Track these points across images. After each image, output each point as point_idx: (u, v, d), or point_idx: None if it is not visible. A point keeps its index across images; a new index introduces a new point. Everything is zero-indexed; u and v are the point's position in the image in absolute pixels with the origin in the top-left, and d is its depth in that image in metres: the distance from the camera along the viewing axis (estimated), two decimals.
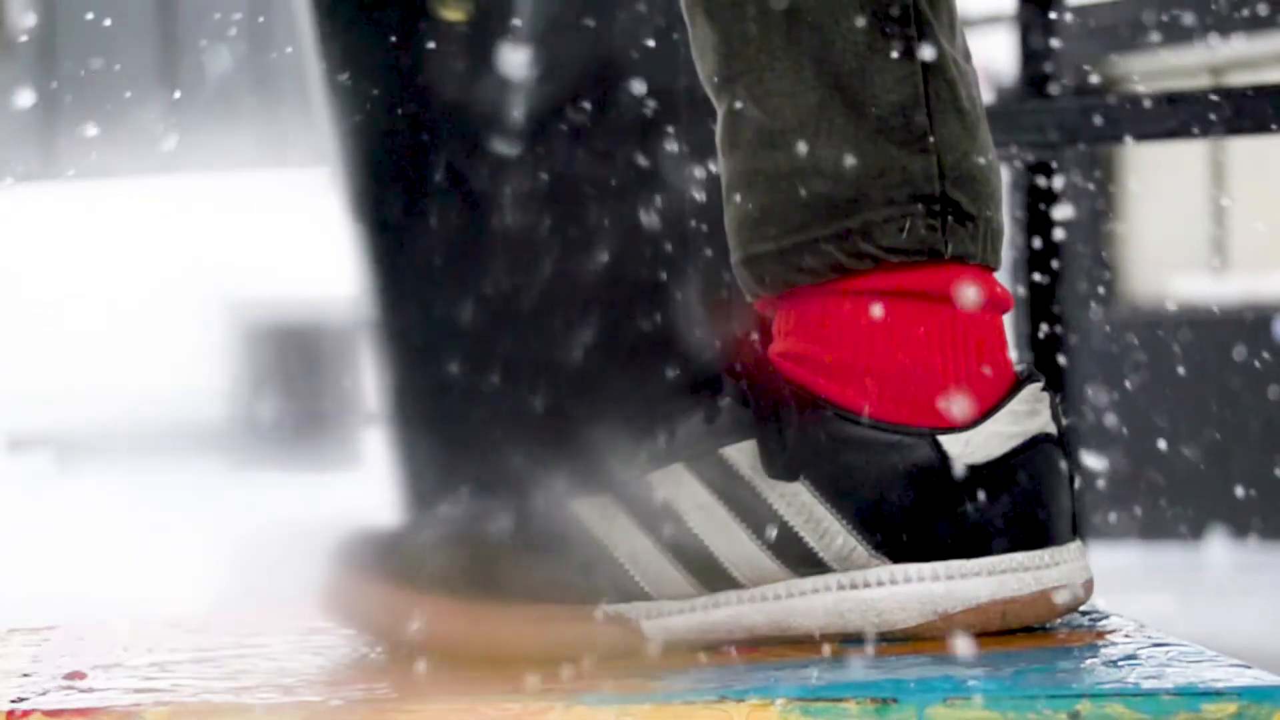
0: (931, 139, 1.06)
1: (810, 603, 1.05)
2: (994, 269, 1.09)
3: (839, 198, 1.06)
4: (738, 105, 1.08)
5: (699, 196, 1.73)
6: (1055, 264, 2.33)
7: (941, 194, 1.06)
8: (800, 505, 1.04)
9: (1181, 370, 5.49)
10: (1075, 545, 1.07)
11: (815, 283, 1.06)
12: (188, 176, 14.84)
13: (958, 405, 1.05)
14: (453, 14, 1.81)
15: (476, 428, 1.77)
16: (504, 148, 1.84)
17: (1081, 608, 1.09)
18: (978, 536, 1.04)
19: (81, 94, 15.36)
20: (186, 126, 15.36)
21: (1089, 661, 0.98)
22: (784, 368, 1.06)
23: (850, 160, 1.05)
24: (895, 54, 1.06)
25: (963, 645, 1.03)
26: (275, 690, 0.95)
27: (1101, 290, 5.80)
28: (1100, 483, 5.21)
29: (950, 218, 1.06)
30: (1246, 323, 5.51)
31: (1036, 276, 2.32)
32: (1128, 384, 5.49)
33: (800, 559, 1.04)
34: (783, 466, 1.03)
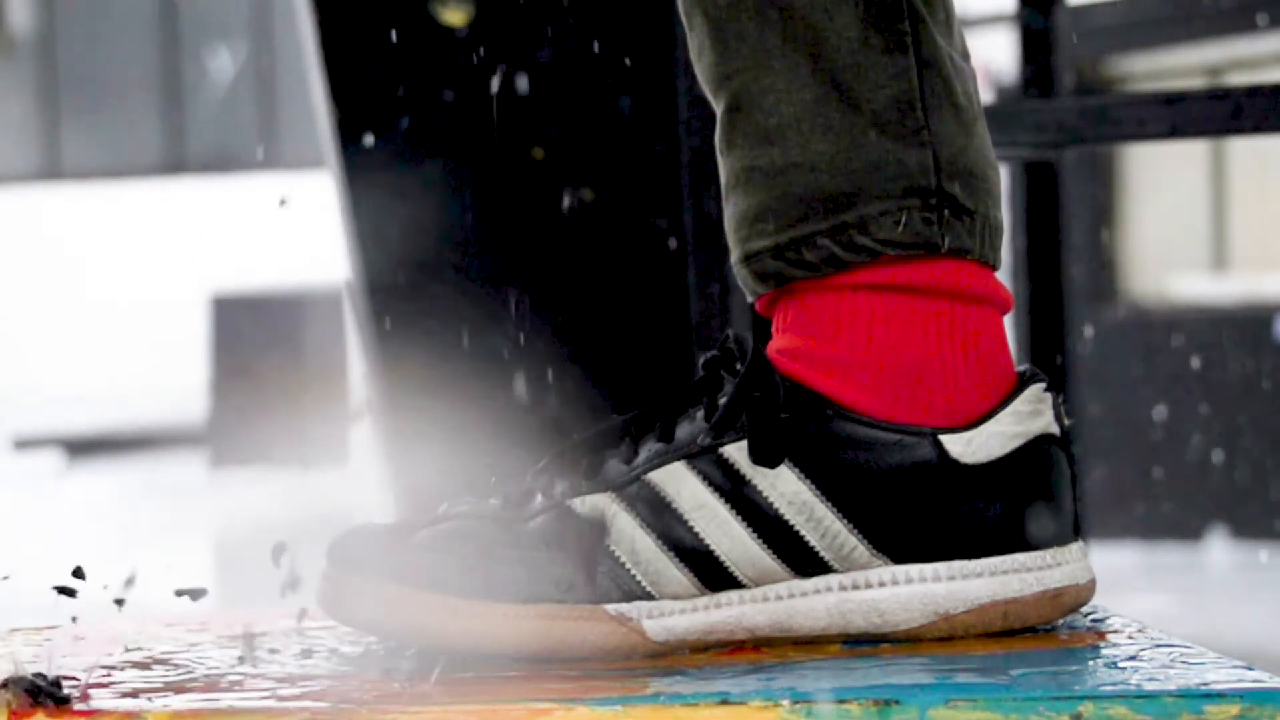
0: (927, 133, 1.06)
1: (812, 603, 1.04)
2: (994, 267, 1.09)
3: (835, 192, 1.06)
4: (735, 103, 1.08)
5: (698, 196, 1.73)
6: (1055, 264, 2.33)
7: (937, 187, 1.06)
8: (801, 504, 1.04)
9: (1181, 370, 5.48)
10: (1077, 546, 1.07)
11: (813, 277, 1.06)
12: (187, 177, 14.85)
13: (959, 404, 1.05)
14: (452, 17, 1.81)
15: (475, 425, 1.77)
16: (503, 147, 1.84)
17: (1083, 609, 1.09)
18: (979, 537, 1.04)
19: (81, 94, 15.36)
20: (187, 127, 15.36)
21: (1091, 663, 0.98)
22: (783, 365, 1.06)
23: (846, 155, 1.06)
24: (889, 49, 1.06)
25: (965, 646, 1.03)
26: (276, 690, 0.95)
27: (1101, 290, 5.80)
28: (1100, 483, 5.21)
29: (946, 211, 1.06)
30: (1246, 323, 5.51)
31: (1036, 276, 2.31)
32: (1128, 384, 5.49)
33: (802, 558, 1.04)
34: (765, 452, 1.03)
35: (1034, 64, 2.34)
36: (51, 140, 15.52)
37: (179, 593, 1.11)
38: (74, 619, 1.10)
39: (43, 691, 0.93)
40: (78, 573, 1.08)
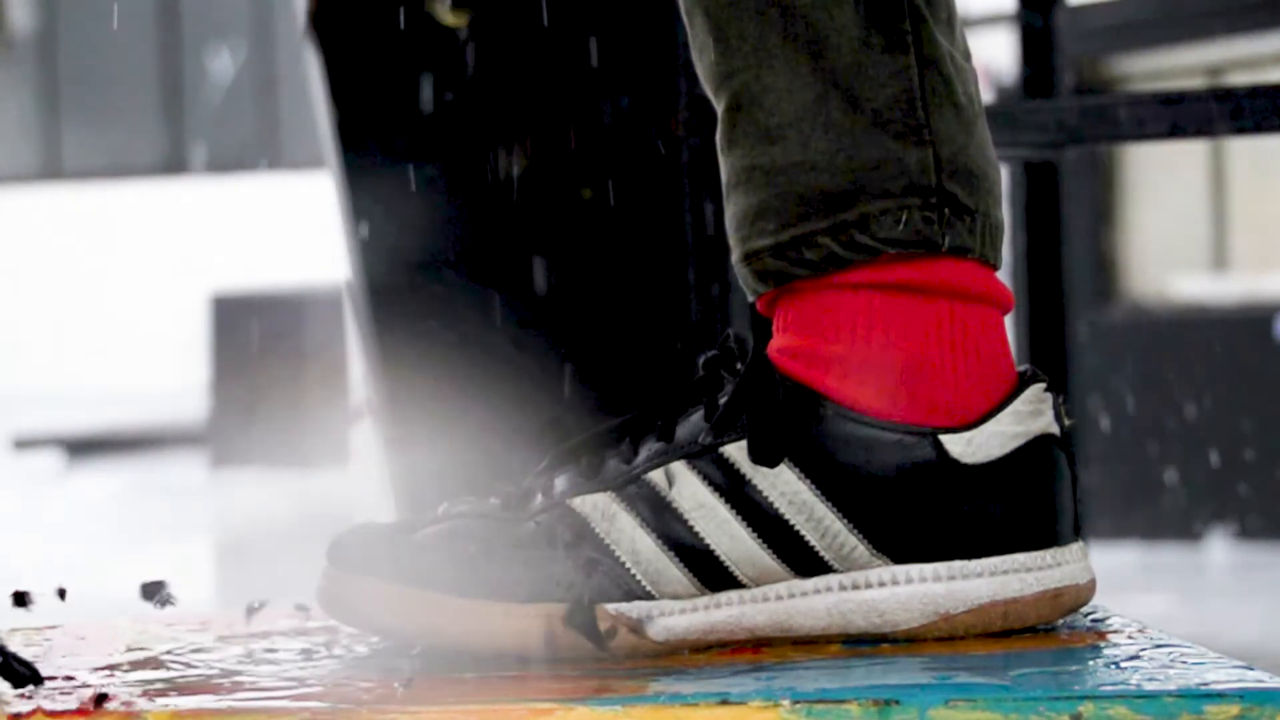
0: (927, 132, 1.06)
1: (812, 603, 1.04)
2: (994, 266, 1.09)
3: (836, 191, 1.06)
4: (736, 103, 1.08)
5: (699, 198, 1.73)
6: (1055, 264, 2.33)
7: (938, 186, 1.06)
8: (801, 504, 1.04)
9: (1181, 370, 5.48)
10: (1077, 546, 1.07)
11: (813, 276, 1.06)
12: (187, 177, 14.84)
13: (959, 403, 1.05)
14: (452, 17, 1.81)
15: (475, 426, 1.77)
16: (502, 147, 1.84)
17: (1083, 609, 1.09)
18: (979, 537, 1.04)
19: (81, 94, 15.36)
20: (187, 127, 15.36)
21: (1091, 663, 0.98)
22: (783, 364, 1.06)
23: (847, 153, 1.06)
24: (890, 48, 1.06)
25: (965, 646, 1.03)
26: (276, 690, 0.95)
27: (1101, 290, 5.80)
28: (1100, 483, 5.21)
29: (947, 210, 1.06)
30: (1246, 323, 5.51)
31: (1036, 276, 2.31)
32: (1128, 384, 5.49)
33: (801, 558, 1.04)
34: (765, 452, 1.03)
35: (1034, 64, 2.34)
36: (51, 140, 15.52)
37: (154, 597, 1.09)
38: (18, 597, 1.10)
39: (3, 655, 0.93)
40: (61, 593, 1.08)
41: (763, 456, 1.04)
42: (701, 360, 1.08)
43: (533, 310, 1.84)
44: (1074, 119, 1.86)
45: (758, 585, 1.04)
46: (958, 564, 1.04)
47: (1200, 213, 5.96)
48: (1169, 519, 5.39)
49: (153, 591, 1.08)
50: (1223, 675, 0.92)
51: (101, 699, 0.93)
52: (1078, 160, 5.48)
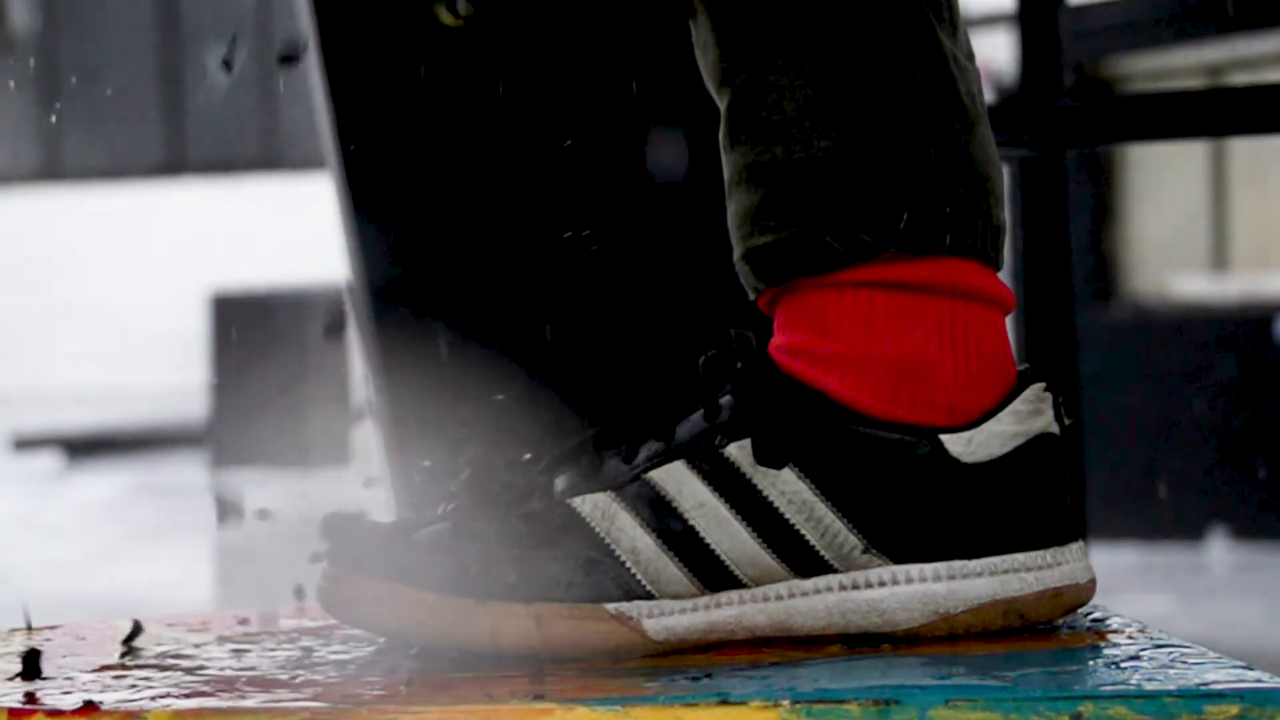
0: (930, 132, 1.06)
1: (812, 603, 1.04)
2: (996, 267, 1.09)
3: (838, 189, 1.06)
4: (739, 102, 1.08)
5: (701, 195, 1.73)
6: (1057, 265, 2.32)
7: (940, 186, 1.06)
8: (801, 503, 1.04)
9: (1181, 370, 5.49)
10: (1077, 545, 1.07)
11: (814, 275, 1.07)
12: (187, 177, 14.85)
13: (959, 403, 1.05)
14: (453, 17, 1.81)
15: (475, 426, 1.77)
16: (502, 145, 1.84)
17: (1083, 609, 1.09)
18: (980, 536, 1.04)
19: (81, 94, 15.37)
20: (187, 127, 15.36)
21: (1091, 663, 0.98)
22: (784, 362, 1.06)
23: (849, 152, 1.06)
24: (894, 48, 1.06)
25: (965, 646, 1.03)
26: (276, 690, 0.95)
27: (1101, 290, 5.80)
28: (1100, 483, 5.21)
29: (949, 210, 1.06)
30: (1246, 323, 5.51)
31: (1038, 277, 2.31)
32: (1128, 384, 5.49)
33: (802, 558, 1.04)
34: (771, 453, 1.03)
35: (1034, 64, 2.34)
36: (51, 140, 15.53)
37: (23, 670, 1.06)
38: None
39: None
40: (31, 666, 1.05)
41: (768, 459, 1.04)
42: (702, 360, 1.08)
43: (533, 310, 1.84)
44: (1074, 119, 1.86)
45: (758, 585, 1.04)
46: (958, 563, 1.04)
47: (1200, 213, 5.96)
48: (1169, 519, 5.39)
49: (30, 667, 1.05)
50: (1223, 675, 0.92)
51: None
52: (1078, 160, 5.49)
